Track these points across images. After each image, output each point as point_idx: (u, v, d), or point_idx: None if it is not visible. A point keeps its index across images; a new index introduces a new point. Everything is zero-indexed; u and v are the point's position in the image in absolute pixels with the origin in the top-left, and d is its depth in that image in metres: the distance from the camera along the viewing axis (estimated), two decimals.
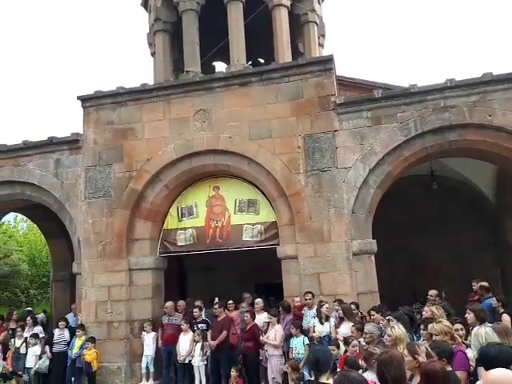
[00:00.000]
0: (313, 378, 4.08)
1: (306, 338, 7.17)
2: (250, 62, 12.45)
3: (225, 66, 13.12)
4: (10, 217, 21.18)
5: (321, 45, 14.07)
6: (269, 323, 7.76)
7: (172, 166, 9.33)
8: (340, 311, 7.16)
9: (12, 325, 10.14)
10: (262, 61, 15.06)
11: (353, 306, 7.31)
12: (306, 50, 13.13)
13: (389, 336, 4.46)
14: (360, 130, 8.52)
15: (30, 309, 13.07)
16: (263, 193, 9.13)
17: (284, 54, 11.46)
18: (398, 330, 4.42)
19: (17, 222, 25.28)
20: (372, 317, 6.64)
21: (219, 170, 9.43)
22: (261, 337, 7.65)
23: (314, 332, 7.32)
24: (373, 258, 8.32)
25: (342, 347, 6.47)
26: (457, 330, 4.83)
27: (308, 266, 8.26)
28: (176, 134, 9.27)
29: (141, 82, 9.68)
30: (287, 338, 7.54)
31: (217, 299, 8.74)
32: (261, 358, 7.95)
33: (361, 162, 8.40)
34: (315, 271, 8.21)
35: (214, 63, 14.95)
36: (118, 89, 9.55)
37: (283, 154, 8.68)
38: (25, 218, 21.64)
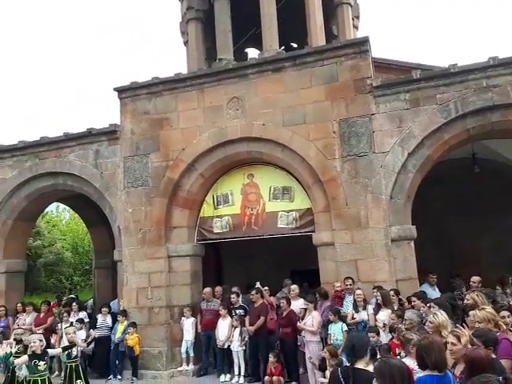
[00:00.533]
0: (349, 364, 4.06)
1: (344, 324, 7.15)
2: (283, 47, 12.30)
3: (257, 52, 13.03)
4: (53, 207, 22.03)
5: (355, 27, 13.73)
6: (306, 309, 7.76)
7: (207, 154, 9.41)
8: (379, 298, 7.07)
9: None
10: (295, 45, 14.87)
11: (392, 293, 7.21)
12: (340, 32, 12.85)
13: (431, 323, 4.37)
14: (398, 113, 8.29)
15: (73, 296, 13.62)
16: (298, 180, 9.07)
17: (317, 37, 11.24)
18: (441, 316, 4.31)
19: (59, 211, 26.25)
20: (413, 303, 6.52)
21: (253, 158, 9.44)
22: (298, 323, 7.67)
23: (352, 318, 7.29)
24: (412, 244, 8.14)
25: (382, 334, 6.41)
26: (503, 317, 4.67)
27: (345, 253, 8.18)
28: (210, 122, 9.32)
29: (174, 71, 9.76)
30: (325, 324, 7.53)
31: (258, 284, 8.76)
32: (299, 343, 7.98)
33: (399, 145, 8.18)
34: (352, 258, 8.12)
35: (247, 50, 14.89)
36: (152, 79, 9.67)
37: (318, 139, 8.58)
38: (67, 207, 22.49)
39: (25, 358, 5.75)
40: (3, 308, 10.48)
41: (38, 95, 57.80)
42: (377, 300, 7.16)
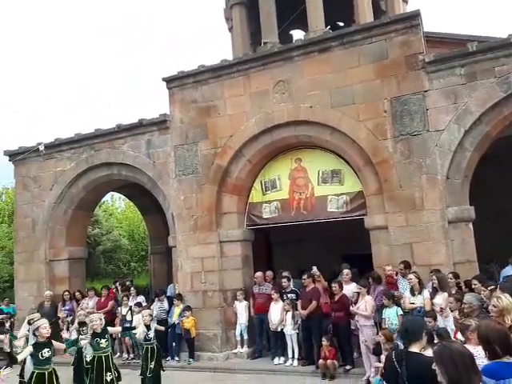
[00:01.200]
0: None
1: (399, 308, 7.00)
2: (329, 27, 11.98)
3: (303, 33, 12.80)
4: (108, 196, 23.00)
5: (404, 1, 13.13)
6: (358, 294, 7.67)
7: (254, 140, 9.42)
8: (435, 281, 6.84)
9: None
10: (341, 24, 14.44)
11: (450, 276, 6.96)
12: (389, 7, 12.35)
13: (494, 307, 4.16)
14: (453, 89, 7.87)
15: (129, 281, 14.25)
16: (348, 162, 8.89)
17: (365, 14, 10.87)
18: (506, 300, 4.09)
19: (114, 200, 27.35)
20: (473, 286, 6.26)
21: (300, 142, 9.34)
22: (351, 307, 7.59)
23: (407, 303, 7.12)
24: (471, 225, 7.78)
25: (439, 318, 6.22)
26: None
27: (399, 236, 7.96)
28: (256, 107, 9.30)
29: (220, 58, 9.79)
30: (379, 308, 7.41)
31: (315, 268, 8.70)
32: (353, 327, 7.92)
33: (455, 123, 7.79)
34: (407, 241, 7.89)
35: (292, 32, 14.65)
36: (198, 67, 9.76)
37: (368, 120, 8.34)
38: (122, 196, 23.41)
39: (29, 348, 6.09)
40: (67, 293, 11.14)
41: (90, 88, 60.16)
42: (433, 284, 6.93)
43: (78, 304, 10.83)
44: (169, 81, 10.10)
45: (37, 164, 11.97)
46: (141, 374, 7.31)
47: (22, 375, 7.18)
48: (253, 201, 9.90)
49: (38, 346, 5.78)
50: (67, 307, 10.90)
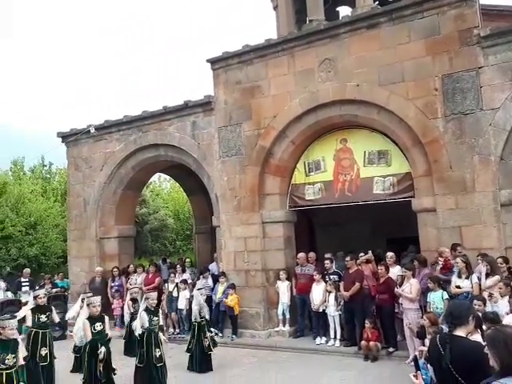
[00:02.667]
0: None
1: (445, 292, 6.82)
2: (377, 2, 11.54)
3: (350, 10, 12.41)
4: (155, 177, 23.62)
5: None
6: (403, 276, 7.53)
7: (297, 120, 9.32)
8: (485, 265, 6.59)
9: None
10: None
11: (500, 260, 6.68)
12: None
13: None
14: (510, 65, 7.41)
15: (164, 258, 14.73)
16: (395, 142, 8.63)
17: None
18: None
19: (161, 181, 28.08)
20: None
21: (346, 121, 9.15)
22: (395, 289, 7.47)
23: (453, 287, 6.91)
24: None
25: (488, 303, 6.01)
26: None
27: (448, 219, 7.70)
28: (301, 87, 9.17)
29: (265, 38, 9.68)
30: (424, 292, 7.26)
31: (370, 253, 8.57)
32: (396, 310, 7.82)
33: (511, 101, 7.36)
34: (456, 224, 7.62)
35: (338, 8, 14.23)
36: (243, 47, 9.72)
37: (418, 98, 8.02)
38: (168, 177, 23.99)
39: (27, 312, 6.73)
40: (117, 269, 11.65)
41: (139, 70, 61.54)
42: (483, 268, 6.68)
43: (127, 280, 11.32)
44: (213, 62, 10.14)
45: (88, 145, 12.47)
46: (187, 351, 7.61)
47: (75, 351, 7.66)
48: (295, 182, 9.86)
49: (90, 320, 6.12)
50: (116, 283, 11.42)
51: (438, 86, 7.85)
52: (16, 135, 48.37)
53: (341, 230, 12.40)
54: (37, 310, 7.02)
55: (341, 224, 12.23)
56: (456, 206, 7.65)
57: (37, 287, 12.25)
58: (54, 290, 11.75)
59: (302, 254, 9.31)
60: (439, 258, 7.38)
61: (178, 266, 11.23)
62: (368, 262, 8.61)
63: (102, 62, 60.65)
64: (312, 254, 9.55)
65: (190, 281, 10.58)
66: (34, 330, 6.84)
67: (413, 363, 6.29)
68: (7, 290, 11.43)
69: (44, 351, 6.77)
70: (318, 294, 8.65)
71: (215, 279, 10.04)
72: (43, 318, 7.01)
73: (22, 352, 5.36)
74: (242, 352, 8.62)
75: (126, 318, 8.92)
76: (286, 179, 9.79)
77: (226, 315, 9.52)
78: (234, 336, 9.27)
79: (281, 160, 9.60)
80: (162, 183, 27.21)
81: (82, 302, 7.32)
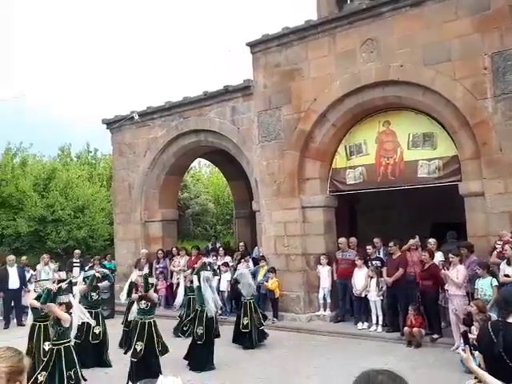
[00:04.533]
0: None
1: (494, 279, 6.60)
2: None
3: None
4: (196, 163, 23.97)
5: None
6: (449, 262, 7.32)
7: (339, 103, 9.16)
8: None
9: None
10: None
11: None
12: None
13: None
14: None
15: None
16: (441, 124, 8.33)
17: None
18: None
19: (201, 167, 28.49)
20: None
21: (389, 103, 8.90)
22: (442, 270, 7.23)
23: (502, 275, 6.67)
24: None
25: None
26: None
27: (497, 204, 7.39)
28: (342, 68, 8.98)
29: (305, 19, 9.50)
30: (471, 278, 7.05)
31: (417, 238, 8.35)
32: (441, 298, 7.65)
33: None
34: (506, 209, 7.31)
35: None
36: (283, 30, 9.59)
37: (465, 77, 7.67)
38: (208, 162, 24.29)
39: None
40: (161, 251, 12.02)
41: (180, 56, 62.18)
42: None
43: (171, 262, 11.66)
44: (253, 45, 10.07)
45: (131, 131, 12.81)
46: (243, 328, 7.92)
47: (126, 325, 8.00)
48: (336, 166, 9.73)
49: (138, 298, 6.43)
50: (161, 265, 11.80)
51: (488, 65, 7.46)
52: (60, 123, 50.31)
53: (383, 215, 12.19)
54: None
55: (383, 209, 12.01)
56: (505, 190, 7.33)
57: (86, 268, 12.88)
58: (103, 271, 12.25)
59: (343, 239, 9.24)
60: (497, 242, 7.09)
61: (221, 249, 11.46)
62: (415, 247, 8.36)
63: (141, 49, 61.67)
64: (353, 239, 9.47)
65: (231, 263, 10.78)
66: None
67: (462, 340, 6.13)
68: (59, 270, 12.04)
69: (97, 329, 7.10)
70: (359, 279, 8.60)
71: (256, 263, 10.17)
72: (94, 295, 7.40)
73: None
74: (283, 334, 8.74)
75: (179, 300, 8.97)
76: (326, 163, 9.69)
77: (267, 298, 9.64)
78: (274, 319, 9.39)
79: (321, 144, 9.49)
80: (201, 168, 27.62)
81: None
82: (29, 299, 10.55)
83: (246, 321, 7.89)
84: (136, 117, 12.29)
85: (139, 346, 6.03)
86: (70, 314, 5.53)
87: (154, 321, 6.37)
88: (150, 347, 6.08)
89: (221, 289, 10.26)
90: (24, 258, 13.02)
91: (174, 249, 12.04)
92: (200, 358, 6.82)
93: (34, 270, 12.31)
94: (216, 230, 23.29)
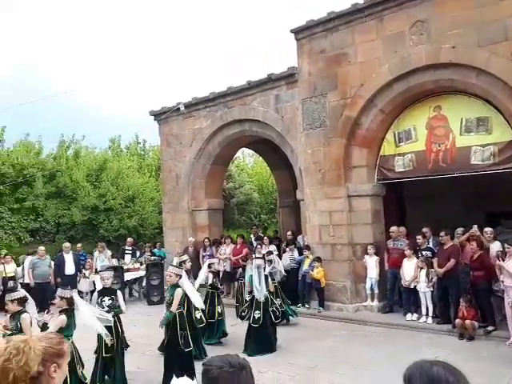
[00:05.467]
0: None
1: None
2: None
3: None
4: (240, 153, 24.11)
5: None
6: (505, 253, 6.97)
7: (387, 88, 8.87)
8: None
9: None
10: None
11: None
12: None
13: None
14: None
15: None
16: (497, 108, 7.88)
17: None
18: None
19: (244, 156, 28.60)
20: None
21: (440, 87, 8.52)
22: (497, 261, 6.91)
23: None
24: None
25: None
26: None
27: None
28: (390, 52, 8.68)
29: (351, 3, 9.23)
30: None
31: (475, 227, 7.97)
32: (497, 288, 7.31)
33: None
34: None
35: None
36: (328, 14, 9.37)
37: None
38: (251, 152, 24.34)
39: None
40: (207, 240, 12.25)
41: (223, 45, 62.46)
42: None
43: (217, 250, 11.87)
44: (297, 32, 9.92)
45: (178, 122, 13.06)
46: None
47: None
48: (384, 153, 9.47)
49: (169, 290, 6.25)
50: (208, 252, 12.03)
51: None
52: (111, 115, 52.11)
53: (433, 204, 11.78)
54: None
55: (434, 197, 11.60)
56: None
57: (138, 255, 13.39)
58: (153, 258, 12.70)
59: (394, 228, 9.04)
60: None
61: (265, 238, 11.51)
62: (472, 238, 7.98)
63: (183, 40, 62.50)
64: (402, 229, 9.23)
65: (275, 252, 10.79)
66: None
67: None
68: (112, 257, 12.60)
69: (198, 314, 7.30)
70: (409, 269, 8.39)
71: (300, 252, 10.14)
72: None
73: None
74: (330, 324, 8.69)
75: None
76: (373, 151, 9.45)
77: (312, 288, 9.61)
78: (320, 308, 9.35)
79: (368, 130, 9.26)
80: (245, 158, 27.72)
81: (210, 267, 7.97)
82: (84, 285, 11.15)
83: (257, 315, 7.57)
84: (182, 108, 12.50)
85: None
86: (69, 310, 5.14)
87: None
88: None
89: None
90: (79, 245, 13.70)
91: (219, 237, 12.25)
92: (256, 342, 7.06)
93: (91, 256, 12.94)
94: (260, 219, 23.39)
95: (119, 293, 6.20)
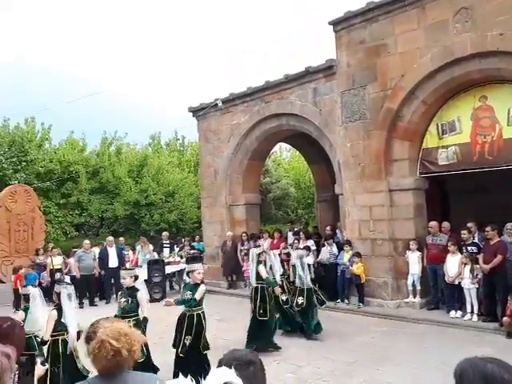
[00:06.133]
0: None
1: None
2: None
3: None
4: (276, 147, 24.10)
5: None
6: None
7: (429, 78, 8.59)
8: None
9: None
10: None
11: None
12: None
13: None
14: None
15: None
16: None
17: None
18: None
19: (281, 151, 28.55)
20: None
21: (486, 76, 8.17)
22: None
23: None
24: None
25: None
26: None
27: None
28: (432, 41, 8.39)
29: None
30: None
31: None
32: None
33: None
34: None
35: None
36: (367, 5, 9.16)
37: None
38: (288, 147, 24.26)
39: None
40: (245, 234, 12.34)
41: (261, 39, 62.36)
42: None
43: (255, 244, 11.91)
44: (335, 23, 9.76)
45: (216, 118, 13.18)
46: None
47: None
48: (427, 146, 9.19)
49: (186, 287, 5.84)
50: (245, 247, 12.12)
51: None
52: (151, 112, 53.21)
53: (479, 198, 11.31)
54: None
55: (479, 191, 11.15)
56: None
57: (177, 248, 13.70)
58: (192, 252, 12.93)
59: (434, 223, 8.76)
60: None
61: (301, 233, 11.46)
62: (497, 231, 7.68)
63: (220, 35, 62.91)
64: (446, 224, 8.94)
65: (313, 248, 10.74)
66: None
67: None
68: (154, 251, 12.97)
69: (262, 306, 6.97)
70: (452, 265, 8.13)
71: (340, 247, 10.03)
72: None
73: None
74: (370, 320, 8.57)
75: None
76: (415, 143, 9.19)
77: (352, 283, 9.49)
78: (360, 304, 9.22)
79: (410, 122, 9.01)
80: (282, 153, 27.66)
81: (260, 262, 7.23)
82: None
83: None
84: (220, 104, 12.61)
85: (188, 341, 5.46)
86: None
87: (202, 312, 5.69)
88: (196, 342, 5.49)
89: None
90: (121, 239, 14.15)
91: (257, 232, 12.33)
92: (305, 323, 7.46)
93: (133, 250, 13.36)
94: (297, 214, 23.32)
95: (140, 294, 5.62)
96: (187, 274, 6.04)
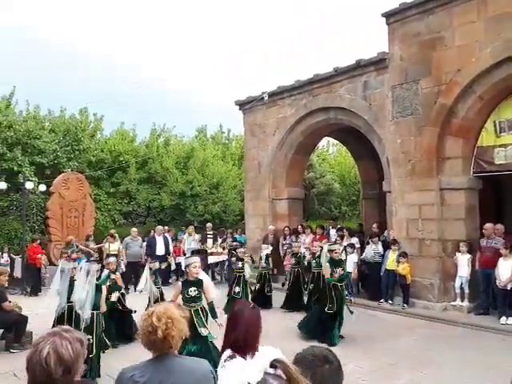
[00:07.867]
0: None
1: None
2: None
3: None
4: (323, 142, 23.81)
5: None
6: None
7: (488, 73, 8.18)
8: None
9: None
10: None
11: None
12: None
13: None
14: None
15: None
16: None
17: None
18: None
19: (328, 146, 28.15)
20: None
21: None
22: None
23: None
24: None
25: None
26: None
27: None
28: (493, 34, 7.96)
29: None
30: None
31: None
32: None
33: None
34: None
35: None
36: None
37: None
38: (335, 142, 23.90)
39: None
40: (287, 228, 12.31)
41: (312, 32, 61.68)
42: None
43: (297, 239, 11.86)
44: (389, 16, 9.46)
45: (262, 112, 13.17)
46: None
47: None
48: (482, 144, 8.77)
49: (185, 284, 5.52)
50: (287, 241, 12.08)
51: None
52: (198, 105, 54.01)
53: None
54: None
55: None
56: None
57: (220, 240, 13.87)
58: (234, 244, 13.04)
59: (489, 225, 8.35)
60: None
61: (345, 230, 11.28)
62: None
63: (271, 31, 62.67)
64: (500, 226, 8.50)
65: (357, 245, 10.55)
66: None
67: None
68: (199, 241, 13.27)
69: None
70: (505, 270, 7.74)
71: (386, 246, 9.78)
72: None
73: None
74: (414, 322, 8.31)
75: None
76: (470, 141, 8.79)
77: (397, 283, 9.24)
78: (405, 305, 8.97)
79: (465, 119, 8.61)
80: (329, 147, 27.25)
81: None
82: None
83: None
84: (266, 97, 12.58)
85: None
86: None
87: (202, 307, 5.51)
88: None
89: (347, 270, 10.12)
90: (166, 228, 14.48)
91: (299, 226, 12.23)
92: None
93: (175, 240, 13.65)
94: (341, 210, 22.95)
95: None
96: (185, 268, 5.95)
